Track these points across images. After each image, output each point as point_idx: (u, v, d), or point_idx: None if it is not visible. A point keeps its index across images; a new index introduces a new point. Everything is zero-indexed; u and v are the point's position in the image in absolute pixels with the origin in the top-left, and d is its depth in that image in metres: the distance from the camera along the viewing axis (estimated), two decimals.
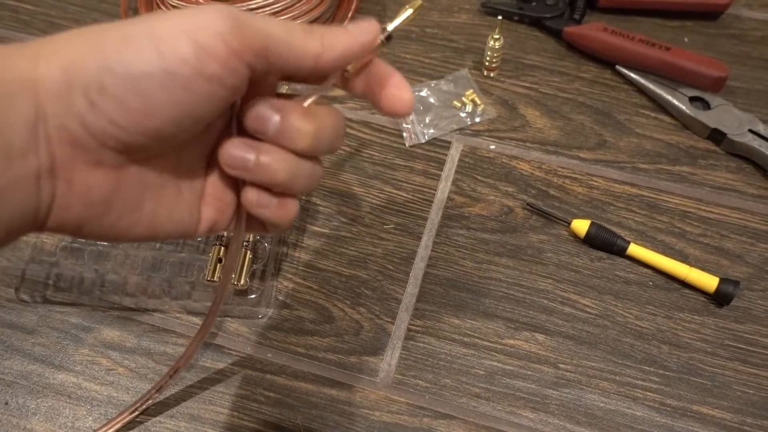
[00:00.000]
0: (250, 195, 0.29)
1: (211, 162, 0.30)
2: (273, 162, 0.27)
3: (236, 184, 0.30)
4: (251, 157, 0.27)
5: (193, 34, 0.23)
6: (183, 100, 0.23)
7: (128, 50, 0.22)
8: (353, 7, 0.60)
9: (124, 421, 0.43)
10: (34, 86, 0.22)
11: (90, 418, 0.44)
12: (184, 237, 0.30)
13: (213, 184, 0.30)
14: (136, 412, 0.44)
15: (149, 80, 0.22)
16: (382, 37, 0.29)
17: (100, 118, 0.23)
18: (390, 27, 0.30)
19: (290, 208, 0.30)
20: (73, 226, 0.25)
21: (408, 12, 0.30)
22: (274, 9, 0.54)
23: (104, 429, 0.43)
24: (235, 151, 0.27)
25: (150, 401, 0.44)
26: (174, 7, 0.56)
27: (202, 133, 0.28)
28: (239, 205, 0.30)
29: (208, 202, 0.30)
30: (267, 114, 0.27)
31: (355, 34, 0.28)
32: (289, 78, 0.29)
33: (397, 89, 0.29)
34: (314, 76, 0.28)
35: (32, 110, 0.22)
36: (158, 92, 0.23)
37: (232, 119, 0.29)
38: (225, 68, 0.23)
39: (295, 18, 0.55)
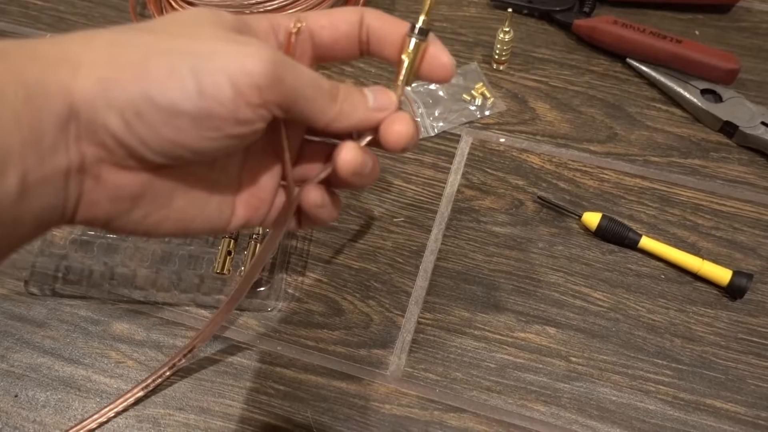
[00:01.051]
0: (314, 196, 0.31)
1: (246, 159, 0.30)
2: (377, 167, 0.30)
3: (272, 182, 0.31)
4: (370, 163, 0.29)
5: (235, 78, 0.23)
6: (211, 136, 0.24)
7: (171, 83, 0.23)
8: (360, 2, 0.60)
9: (136, 396, 0.44)
10: (70, 93, 0.23)
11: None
12: (216, 233, 0.31)
13: (248, 181, 0.31)
14: (148, 388, 0.44)
15: (185, 116, 0.23)
16: (420, 37, 0.29)
17: (131, 137, 0.23)
18: (419, 23, 0.30)
19: (338, 205, 0.33)
20: (103, 220, 0.26)
21: None
22: (280, 4, 0.54)
23: (116, 403, 0.44)
24: (362, 157, 0.29)
25: (160, 379, 0.44)
26: (182, 6, 0.56)
27: None
28: (286, 203, 0.32)
29: (243, 198, 0.31)
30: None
31: (372, 110, 0.29)
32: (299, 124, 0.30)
33: (437, 53, 0.30)
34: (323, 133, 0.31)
35: (65, 110, 0.23)
36: (191, 128, 0.24)
37: (281, 126, 0.30)
38: (255, 114, 0.24)
39: (302, 11, 0.55)
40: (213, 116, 0.24)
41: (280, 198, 0.32)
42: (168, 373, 0.44)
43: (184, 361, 0.44)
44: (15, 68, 0.22)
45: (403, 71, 0.30)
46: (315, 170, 0.32)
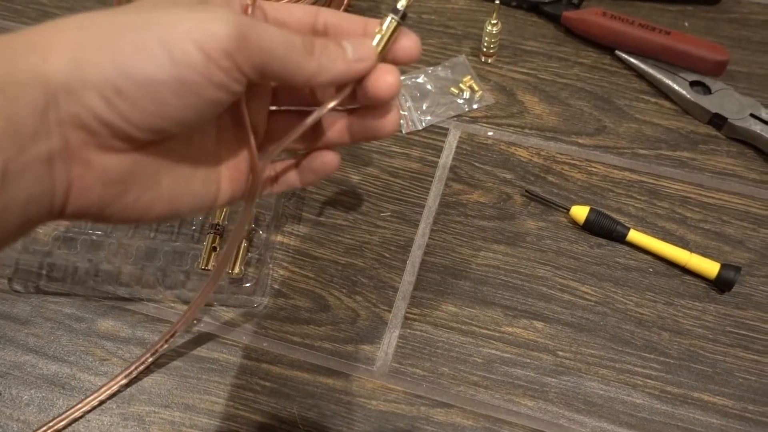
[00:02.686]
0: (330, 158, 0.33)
1: (220, 135, 0.31)
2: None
3: (247, 154, 0.32)
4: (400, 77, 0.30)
5: (202, 43, 0.23)
6: (192, 103, 0.25)
7: (143, 56, 0.23)
8: (345, 2, 0.60)
9: (119, 384, 0.44)
10: (45, 78, 0.23)
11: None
12: (206, 210, 0.31)
13: (227, 156, 0.31)
14: (131, 375, 0.44)
15: (163, 86, 0.24)
16: (396, 17, 0.30)
17: (113, 114, 0.24)
18: (400, 4, 0.30)
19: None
20: (96, 209, 0.26)
21: None
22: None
23: (100, 392, 0.44)
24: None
25: (143, 366, 0.44)
26: None
27: None
28: (252, 171, 0.32)
29: (226, 174, 0.31)
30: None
31: (351, 61, 0.29)
32: (284, 85, 0.30)
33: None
34: (308, 89, 0.32)
35: (42, 97, 0.23)
36: (171, 97, 0.24)
37: (242, 102, 0.30)
38: (229, 77, 0.25)
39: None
40: (189, 83, 0.24)
41: (268, 170, 0.33)
42: (150, 359, 0.44)
43: (166, 345, 0.44)
44: None
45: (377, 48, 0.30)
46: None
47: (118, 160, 0.25)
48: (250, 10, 0.29)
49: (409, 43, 0.30)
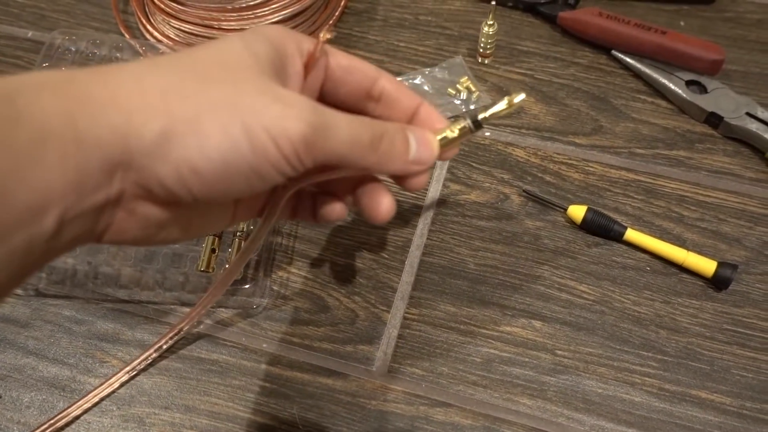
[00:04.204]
0: (338, 210, 0.34)
1: None
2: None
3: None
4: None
5: (277, 138, 0.25)
6: (255, 184, 0.26)
7: (226, 142, 0.24)
8: (342, 4, 0.60)
9: (121, 380, 0.44)
10: (126, 141, 0.23)
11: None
12: (216, 231, 0.33)
13: None
14: (134, 372, 0.45)
15: (238, 172, 0.25)
16: (472, 126, 0.31)
17: (182, 188, 0.25)
18: (481, 116, 0.31)
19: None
20: (127, 243, 0.28)
21: (503, 104, 0.31)
22: (257, 0, 0.54)
23: (102, 387, 0.44)
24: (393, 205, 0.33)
25: (146, 362, 0.45)
26: (167, 6, 0.55)
27: None
28: (273, 194, 0.33)
29: (242, 202, 0.32)
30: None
31: (410, 162, 0.30)
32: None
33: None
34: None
35: (117, 157, 0.23)
36: (241, 180, 0.25)
37: None
38: (292, 168, 0.26)
39: (281, 8, 0.54)
40: (260, 170, 0.25)
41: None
42: (154, 355, 0.45)
43: (171, 342, 0.45)
44: (65, 109, 0.22)
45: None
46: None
47: (161, 212, 0.26)
48: (318, 50, 0.30)
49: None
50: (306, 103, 0.26)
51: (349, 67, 0.32)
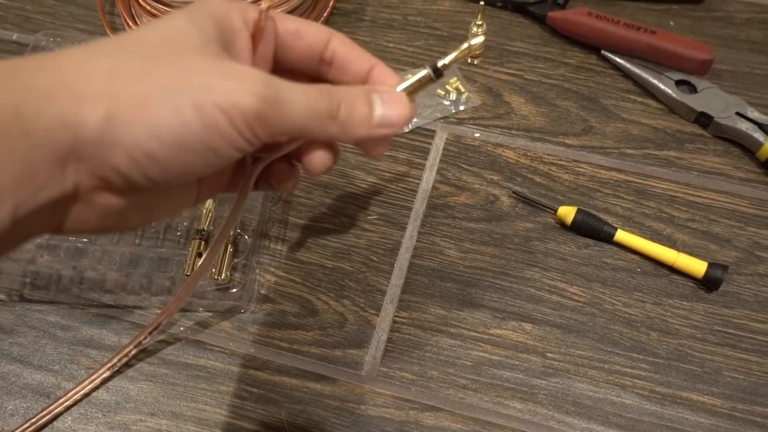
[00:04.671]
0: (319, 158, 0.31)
1: None
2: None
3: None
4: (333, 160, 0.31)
5: (229, 112, 0.24)
6: (212, 162, 0.25)
7: (177, 121, 0.23)
8: (330, 4, 0.59)
9: (102, 377, 0.44)
10: (75, 130, 0.22)
11: (69, 419, 0.43)
12: (181, 212, 0.32)
13: None
14: (114, 368, 0.44)
15: (192, 150, 0.24)
16: (430, 73, 0.30)
17: (137, 173, 0.24)
18: (441, 62, 0.30)
19: (296, 177, 0.34)
20: (86, 233, 0.27)
21: (462, 47, 0.30)
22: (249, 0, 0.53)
23: (83, 384, 0.44)
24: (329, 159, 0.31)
25: (126, 358, 0.44)
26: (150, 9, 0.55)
27: None
28: (245, 174, 0.32)
29: (205, 183, 0.31)
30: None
31: (374, 126, 0.29)
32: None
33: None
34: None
35: (67, 148, 0.23)
36: (197, 159, 0.25)
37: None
38: (249, 143, 0.25)
39: (269, 8, 0.54)
40: (215, 147, 0.24)
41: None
42: (133, 351, 0.44)
43: (149, 339, 0.44)
44: (10, 102, 0.21)
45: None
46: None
47: (120, 200, 0.25)
48: (261, 19, 0.29)
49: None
50: (257, 76, 0.25)
51: (297, 30, 0.31)
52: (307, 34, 0.31)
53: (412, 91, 0.30)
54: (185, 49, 0.25)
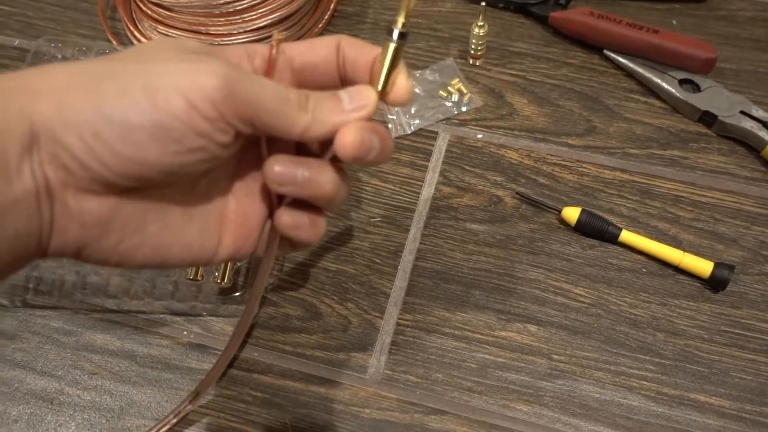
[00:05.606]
0: (285, 218, 0.29)
1: (232, 185, 0.30)
2: (320, 175, 0.28)
3: (263, 209, 0.31)
4: (299, 172, 0.28)
5: (186, 92, 0.24)
6: (174, 150, 0.24)
7: (123, 101, 0.24)
8: (331, 7, 0.59)
9: None
10: (30, 118, 0.23)
11: (73, 424, 0.43)
12: (200, 263, 0.30)
13: (236, 209, 0.30)
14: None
15: (142, 131, 0.24)
16: (394, 40, 0.29)
17: (92, 158, 0.24)
18: (395, 27, 0.29)
19: (321, 225, 0.31)
20: (72, 249, 0.26)
21: None
22: (249, 3, 0.53)
23: None
24: (281, 167, 0.28)
25: (166, 427, 0.42)
26: (150, 8, 0.55)
27: (222, 164, 0.28)
28: (271, 229, 0.31)
29: (230, 228, 0.30)
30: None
31: (349, 111, 0.28)
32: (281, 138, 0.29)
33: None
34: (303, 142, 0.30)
35: (27, 136, 0.23)
36: (150, 143, 0.24)
37: (262, 142, 0.29)
38: (213, 127, 0.25)
39: (270, 12, 0.54)
40: (170, 129, 0.24)
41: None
42: (174, 420, 0.42)
43: (190, 406, 0.42)
44: None
45: (381, 77, 0.29)
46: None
47: (97, 204, 0.25)
48: (274, 51, 0.29)
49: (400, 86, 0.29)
50: (221, 61, 0.25)
51: (308, 48, 0.30)
52: (320, 48, 0.31)
53: (392, 68, 0.29)
54: (154, 51, 0.26)
